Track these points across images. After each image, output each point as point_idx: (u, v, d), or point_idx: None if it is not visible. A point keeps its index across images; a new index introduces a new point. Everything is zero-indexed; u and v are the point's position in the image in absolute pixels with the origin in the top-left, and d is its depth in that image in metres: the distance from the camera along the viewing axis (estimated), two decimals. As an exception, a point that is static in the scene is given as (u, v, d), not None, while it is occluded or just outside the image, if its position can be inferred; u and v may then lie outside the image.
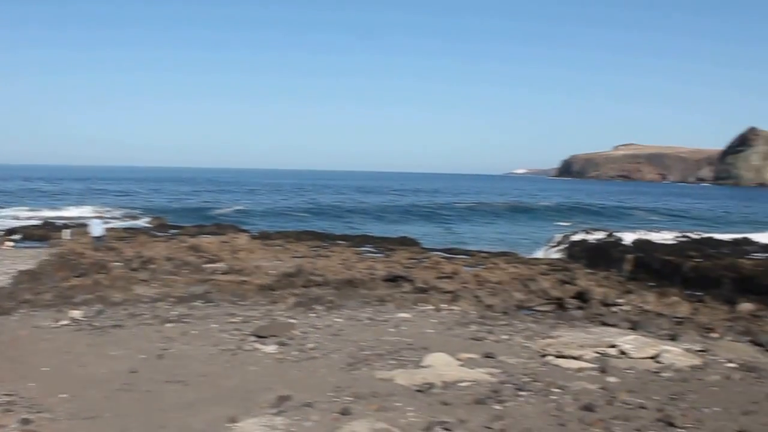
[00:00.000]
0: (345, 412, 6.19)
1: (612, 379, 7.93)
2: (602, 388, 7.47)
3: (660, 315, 14.72)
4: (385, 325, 10.91)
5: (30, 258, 19.29)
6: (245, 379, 7.42)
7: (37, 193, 72.71)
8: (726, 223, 63.20)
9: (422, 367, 8.12)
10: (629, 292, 17.52)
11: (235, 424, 5.97)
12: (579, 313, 14.45)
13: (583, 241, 32.67)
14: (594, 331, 10.95)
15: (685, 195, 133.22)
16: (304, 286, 15.87)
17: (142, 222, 38.49)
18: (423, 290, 16.36)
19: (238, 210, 53.83)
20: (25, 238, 26.47)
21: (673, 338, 11.14)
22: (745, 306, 16.60)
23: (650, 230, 37.19)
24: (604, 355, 9.19)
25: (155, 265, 18.23)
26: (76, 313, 11.49)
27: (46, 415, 6.22)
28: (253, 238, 25.83)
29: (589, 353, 9.21)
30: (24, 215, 41.75)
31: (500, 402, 6.66)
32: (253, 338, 9.51)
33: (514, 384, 7.40)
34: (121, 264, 18.14)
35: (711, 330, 13.02)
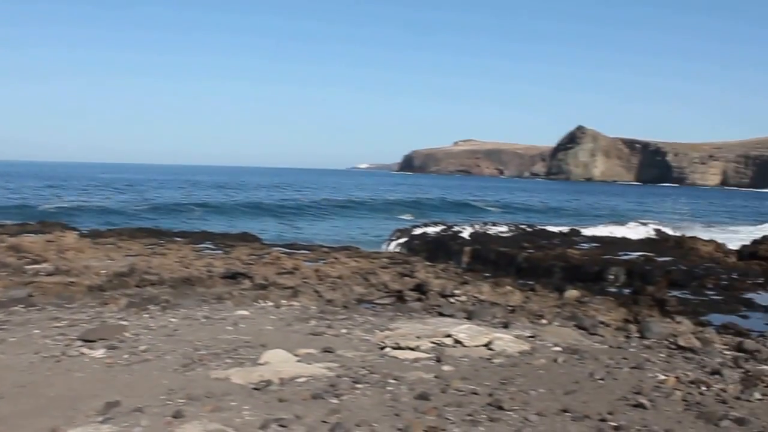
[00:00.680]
0: (177, 415, 6.03)
1: (447, 368, 8.12)
2: (437, 377, 7.64)
3: (494, 304, 15.18)
4: (223, 324, 10.73)
5: None
6: (70, 387, 7.03)
7: None
8: (557, 215, 66.05)
9: (260, 364, 8.04)
10: (466, 283, 17.96)
11: (57, 436, 5.69)
12: (418, 305, 14.71)
13: (423, 234, 33.30)
14: (431, 322, 11.16)
15: (521, 189, 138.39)
16: (138, 286, 15.37)
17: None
18: (263, 287, 16.20)
19: (64, 207, 51.17)
20: None
21: (505, 326, 11.51)
22: (572, 293, 17.38)
23: (487, 223, 38.27)
24: (439, 344, 9.39)
25: (-33, 269, 17.07)
26: None
27: None
28: (83, 236, 24.63)
29: (426, 343, 9.38)
30: None
31: (337, 396, 6.68)
32: (79, 343, 9.01)
33: (351, 377, 7.45)
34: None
35: (541, 317, 13.56)
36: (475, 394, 6.98)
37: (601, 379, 7.78)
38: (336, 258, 21.63)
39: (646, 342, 10.69)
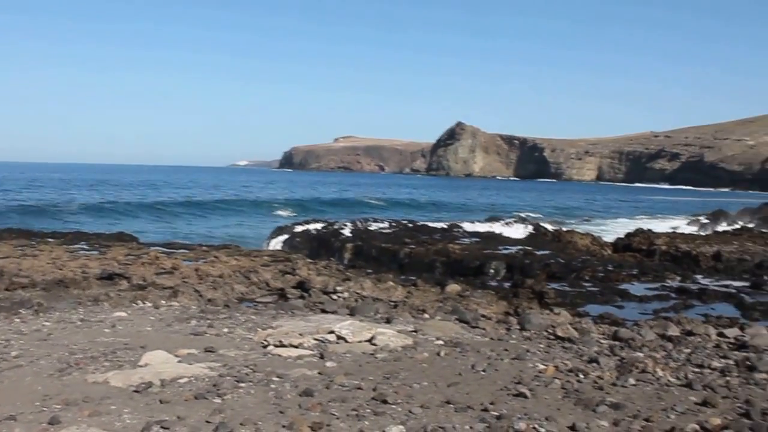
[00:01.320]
0: (54, 421, 5.82)
1: (330, 364, 8.13)
2: (320, 374, 7.63)
3: (377, 300, 15.30)
4: (100, 326, 10.42)
5: None
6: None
7: None
8: (438, 210, 67.06)
9: (140, 366, 7.85)
10: (348, 279, 18.02)
11: None
12: (300, 302, 14.67)
13: (305, 231, 33.22)
14: (314, 319, 11.15)
15: (402, 185, 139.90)
16: (8, 290, 14.76)
17: None
18: (141, 287, 15.86)
19: None
20: None
21: (388, 321, 11.61)
22: (453, 287, 17.68)
23: (369, 220, 38.47)
24: (322, 341, 9.40)
25: None
26: None
27: None
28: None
29: (309, 341, 9.38)
30: None
31: (220, 395, 6.60)
32: (-57, 353, 8.54)
33: (234, 376, 7.36)
34: None
35: (423, 311, 13.75)
36: (359, 389, 7.01)
37: (483, 371, 7.95)
38: (216, 257, 21.33)
39: (526, 333, 10.97)
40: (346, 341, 9.45)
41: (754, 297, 19.24)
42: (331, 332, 9.71)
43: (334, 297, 15.53)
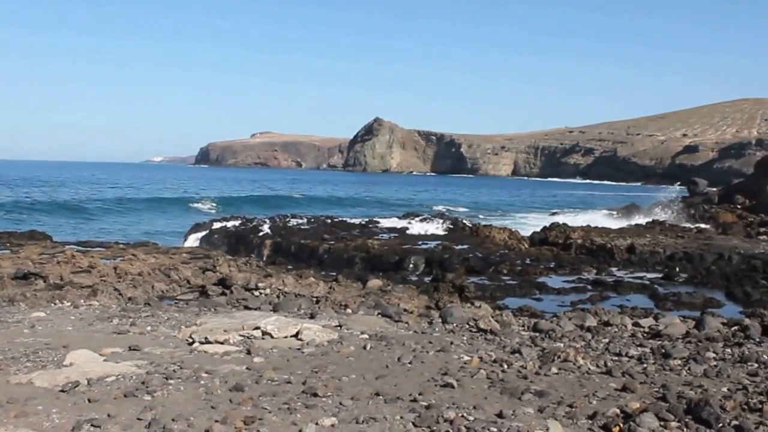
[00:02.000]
0: (-21, 423, 5.73)
1: (258, 360, 8.16)
2: (249, 369, 7.66)
3: (299, 296, 15.37)
4: (19, 327, 10.18)
5: None
6: None
7: None
8: (356, 206, 67.21)
9: (64, 366, 7.73)
10: (269, 276, 18.04)
11: None
12: (222, 299, 14.66)
13: (223, 228, 32.99)
14: (238, 316, 11.13)
15: (320, 181, 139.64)
16: None
17: None
18: (59, 287, 15.58)
19: None
20: None
21: (312, 316, 11.68)
22: (375, 282, 17.87)
23: (287, 215, 38.41)
24: (248, 337, 9.42)
25: None
26: None
27: None
28: None
29: (235, 337, 9.38)
30: None
31: (150, 392, 6.56)
32: None
33: (162, 373, 7.33)
34: None
35: (346, 306, 13.87)
36: (289, 383, 7.08)
37: (410, 363, 8.10)
38: (134, 255, 21.03)
39: (448, 326, 11.20)
40: (272, 337, 9.49)
41: (667, 288, 19.96)
42: (257, 328, 9.72)
43: (257, 293, 15.54)
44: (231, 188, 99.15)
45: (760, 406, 6.47)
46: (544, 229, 32.21)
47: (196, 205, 63.18)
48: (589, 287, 20.01)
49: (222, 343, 9.16)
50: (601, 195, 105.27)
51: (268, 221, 34.40)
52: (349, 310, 13.27)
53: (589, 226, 36.27)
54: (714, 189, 51.98)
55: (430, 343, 9.45)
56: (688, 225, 37.02)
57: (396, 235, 31.63)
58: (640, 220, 42.33)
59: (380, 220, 38.23)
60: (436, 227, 34.93)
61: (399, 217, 39.71)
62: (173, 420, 5.76)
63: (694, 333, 10.98)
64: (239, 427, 5.60)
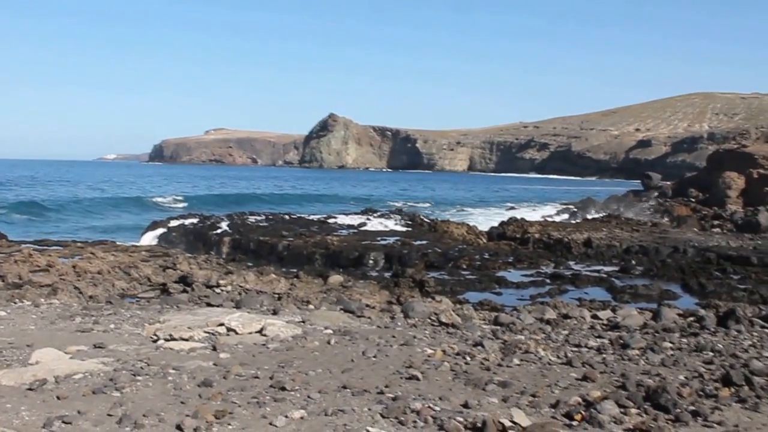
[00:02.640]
0: (-52, 422, 5.72)
1: (224, 355, 8.22)
2: (216, 365, 7.73)
3: (261, 292, 15.41)
4: (-21, 326, 10.12)
5: None
6: None
7: None
8: (313, 203, 67.20)
9: (30, 364, 7.72)
10: (230, 273, 18.04)
11: None
12: (184, 296, 14.64)
13: (181, 226, 32.85)
14: (201, 313, 11.16)
15: (276, 178, 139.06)
16: None
17: None
18: (17, 286, 15.42)
19: None
20: None
21: (275, 312, 11.74)
22: (335, 278, 17.97)
23: (245, 212, 38.34)
24: (213, 333, 9.46)
25: None
26: None
27: None
28: None
29: (199, 333, 9.42)
30: None
31: (118, 389, 6.59)
32: None
33: (129, 370, 7.36)
34: None
35: (308, 302, 13.96)
36: (256, 377, 7.17)
37: (374, 357, 8.23)
38: (92, 253, 20.84)
39: (410, 321, 11.35)
40: (237, 333, 9.54)
41: (624, 281, 20.36)
42: (221, 324, 9.77)
43: (218, 291, 15.55)
44: (193, 186, 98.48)
45: (715, 392, 6.72)
46: (502, 224, 32.61)
47: (158, 199, 62.82)
48: (548, 281, 20.33)
49: (187, 339, 9.20)
50: (557, 190, 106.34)
51: (225, 219, 34.34)
52: (311, 306, 13.37)
53: (546, 220, 36.78)
54: (668, 183, 52.88)
55: (394, 337, 9.59)
56: (642, 219, 37.68)
57: (355, 231, 31.76)
58: (596, 214, 42.99)
59: (339, 216, 38.33)
60: (395, 223, 35.13)
61: (357, 214, 39.82)
62: (144, 415, 5.81)
63: (651, 324, 11.25)
64: (210, 421, 5.67)
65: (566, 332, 10.41)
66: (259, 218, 35.56)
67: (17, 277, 16.31)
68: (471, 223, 33.51)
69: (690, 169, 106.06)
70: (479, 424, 5.53)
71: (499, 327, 10.94)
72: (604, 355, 8.59)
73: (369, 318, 11.74)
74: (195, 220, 33.91)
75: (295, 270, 20.61)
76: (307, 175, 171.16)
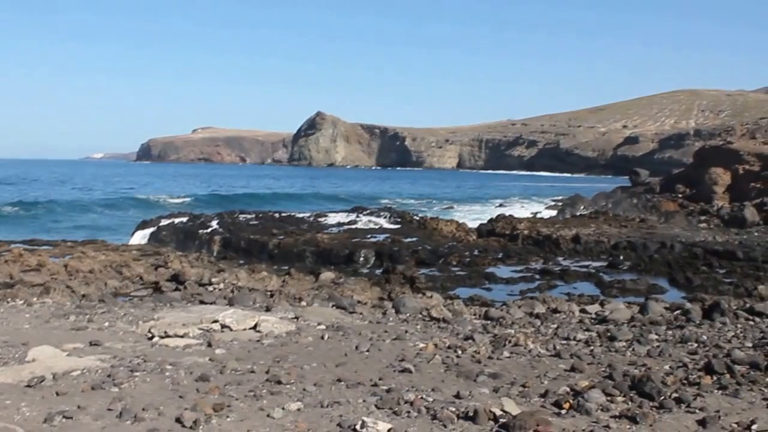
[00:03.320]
0: (-50, 418, 5.82)
1: (219, 351, 8.35)
2: (211, 360, 7.86)
3: (253, 290, 15.53)
4: (-26, 326, 10.20)
5: None
6: None
7: None
8: (303, 201, 67.20)
9: (27, 362, 7.82)
10: (222, 270, 18.16)
11: None
12: (177, 294, 14.77)
13: (171, 224, 32.89)
14: (194, 310, 11.29)
15: (265, 176, 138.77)
16: None
17: None
18: (9, 285, 15.49)
19: None
20: None
21: (268, 309, 11.88)
22: (327, 275, 18.09)
23: (235, 211, 38.40)
24: (208, 330, 9.59)
25: None
26: None
27: None
28: None
29: (194, 330, 9.54)
30: None
31: (117, 385, 6.71)
32: None
33: (126, 366, 7.47)
34: None
35: (300, 299, 14.08)
36: (252, 372, 7.30)
37: (367, 351, 8.40)
38: (83, 252, 20.93)
39: (402, 316, 11.52)
40: (231, 329, 9.68)
41: (612, 276, 20.56)
42: (215, 321, 9.90)
43: (210, 288, 15.67)
44: (167, 184, 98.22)
45: (698, 380, 6.94)
46: (491, 220, 32.76)
47: (133, 203, 62.60)
48: (537, 276, 20.52)
49: (182, 336, 9.32)
50: (546, 186, 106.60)
51: (216, 217, 34.41)
52: (303, 303, 13.50)
53: (535, 217, 36.95)
54: (655, 179, 53.16)
55: (386, 332, 9.75)
56: (630, 215, 37.91)
57: (345, 228, 31.89)
58: (585, 210, 43.20)
59: (329, 214, 38.45)
60: (385, 221, 35.25)
61: (347, 212, 39.92)
62: (143, 409, 5.93)
63: (638, 317, 11.46)
64: (209, 414, 5.80)
65: (555, 326, 10.60)
66: (249, 216, 35.64)
67: (8, 277, 16.38)
68: (460, 221, 33.63)
69: (677, 165, 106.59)
70: (471, 413, 5.70)
71: (489, 321, 11.12)
72: (592, 347, 8.79)
73: (361, 314, 11.90)
74: (185, 219, 33.97)
75: (286, 267, 20.74)
76: (295, 173, 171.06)
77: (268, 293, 15.14)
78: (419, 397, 6.27)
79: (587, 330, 10.17)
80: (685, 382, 6.95)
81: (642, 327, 10.41)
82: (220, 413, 5.87)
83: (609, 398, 6.26)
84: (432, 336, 9.50)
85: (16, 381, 7.06)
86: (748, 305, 12.31)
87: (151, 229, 32.74)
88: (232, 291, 15.30)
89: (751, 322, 10.91)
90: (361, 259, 23.83)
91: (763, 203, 36.54)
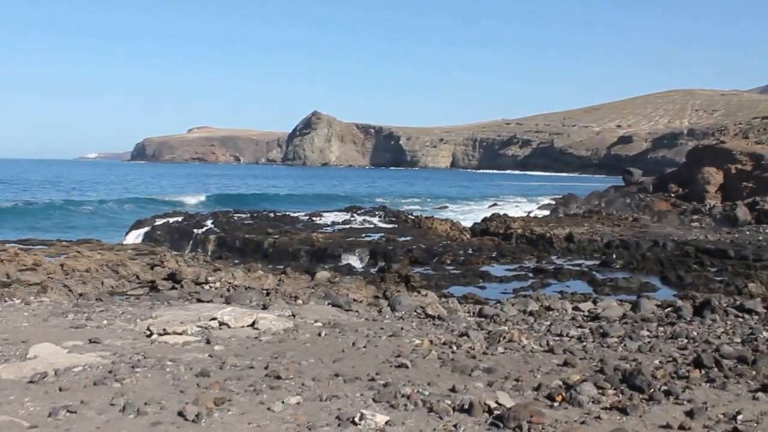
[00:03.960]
0: (-45, 414, 5.93)
1: (218, 348, 8.49)
2: (211, 356, 8.00)
3: (249, 288, 15.64)
4: (-28, 324, 10.29)
5: None
6: None
7: None
8: (297, 200, 67.24)
9: (29, 359, 7.93)
10: (218, 269, 18.26)
11: None
12: (174, 293, 14.85)
13: (165, 224, 32.98)
14: (192, 308, 11.40)
15: (260, 176, 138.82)
16: None
17: None
18: (5, 284, 15.56)
19: None
20: None
21: (265, 307, 12.01)
22: (323, 274, 18.22)
23: (230, 210, 38.53)
24: (206, 328, 9.72)
25: None
26: None
27: None
28: None
29: (192, 327, 9.66)
30: None
31: (119, 380, 6.84)
32: None
33: (127, 363, 7.59)
34: None
35: (296, 298, 14.22)
36: (252, 368, 7.45)
37: (364, 347, 8.55)
38: (79, 252, 20.98)
39: (397, 314, 11.66)
40: (229, 327, 9.80)
41: (604, 274, 20.75)
42: (213, 319, 10.03)
43: (207, 287, 15.76)
44: (165, 184, 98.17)
45: (687, 374, 7.12)
46: (485, 219, 32.94)
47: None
48: (531, 275, 20.69)
49: (180, 333, 9.44)
50: (540, 186, 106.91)
51: (210, 217, 34.54)
52: (300, 301, 13.62)
53: (528, 216, 37.13)
54: (648, 178, 53.40)
55: (382, 329, 9.90)
56: (623, 214, 38.12)
57: (339, 227, 32.05)
58: (578, 209, 43.42)
59: (323, 213, 38.59)
60: (379, 220, 35.43)
61: (342, 211, 40.07)
62: (146, 404, 6.06)
63: (630, 315, 11.62)
64: (211, 408, 5.94)
65: (548, 323, 10.76)
66: (244, 216, 35.77)
67: (5, 276, 16.45)
68: (455, 220, 33.80)
69: (670, 164, 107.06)
70: (466, 406, 5.86)
71: (483, 318, 11.28)
72: (584, 343, 8.97)
73: (357, 312, 12.04)
74: (180, 219, 34.08)
75: (281, 266, 20.86)
76: (290, 172, 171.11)
77: (265, 292, 15.26)
78: (416, 390, 6.43)
79: (580, 327, 10.35)
80: (674, 375, 7.15)
81: (634, 324, 10.57)
82: (221, 407, 6.01)
83: (600, 391, 6.44)
84: (427, 333, 9.66)
85: (19, 377, 7.17)
86: (738, 302, 12.48)
87: (145, 229, 32.85)
88: (229, 289, 15.41)
89: (741, 319, 11.11)
90: (355, 258, 24.01)
91: (755, 202, 36.83)
